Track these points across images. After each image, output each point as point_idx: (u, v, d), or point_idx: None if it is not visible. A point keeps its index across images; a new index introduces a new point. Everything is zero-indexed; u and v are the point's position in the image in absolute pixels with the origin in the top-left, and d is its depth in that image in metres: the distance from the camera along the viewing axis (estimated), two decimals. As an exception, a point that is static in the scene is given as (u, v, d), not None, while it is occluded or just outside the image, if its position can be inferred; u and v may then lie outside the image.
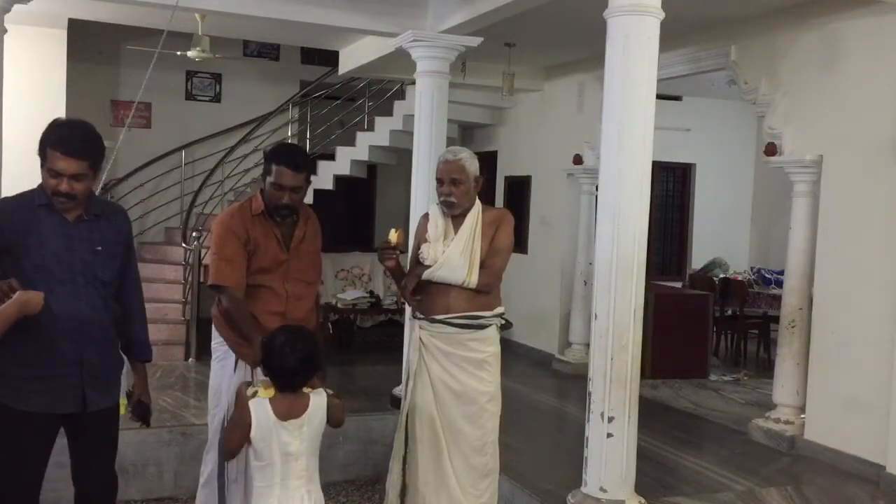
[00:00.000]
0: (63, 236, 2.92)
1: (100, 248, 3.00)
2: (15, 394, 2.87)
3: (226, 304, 3.51)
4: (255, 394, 2.93)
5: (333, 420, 2.99)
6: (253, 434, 2.81)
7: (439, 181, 3.74)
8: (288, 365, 2.86)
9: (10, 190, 3.42)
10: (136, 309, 3.20)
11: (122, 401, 3.22)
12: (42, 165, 2.88)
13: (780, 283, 7.74)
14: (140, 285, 3.27)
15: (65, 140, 2.85)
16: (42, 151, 2.87)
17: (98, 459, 3.12)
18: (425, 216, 3.93)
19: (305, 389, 2.97)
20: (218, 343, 3.62)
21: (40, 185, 2.94)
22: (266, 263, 3.49)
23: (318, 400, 2.93)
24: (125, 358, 3.21)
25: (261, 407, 2.84)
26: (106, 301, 3.03)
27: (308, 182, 3.54)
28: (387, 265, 3.74)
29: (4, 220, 2.88)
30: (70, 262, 2.92)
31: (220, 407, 3.57)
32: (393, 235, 3.71)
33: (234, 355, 3.55)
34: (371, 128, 9.29)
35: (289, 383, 2.89)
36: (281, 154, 3.50)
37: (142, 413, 3.25)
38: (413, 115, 6.28)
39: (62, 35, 7.67)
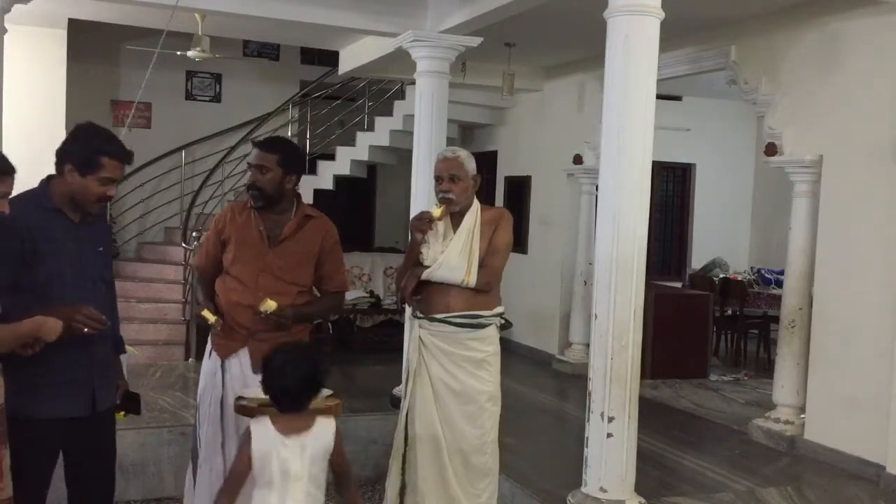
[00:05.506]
0: (74, 239, 2.93)
1: (101, 248, 3.05)
2: (31, 402, 2.85)
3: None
4: (246, 407, 2.93)
5: (336, 457, 2.74)
6: (253, 452, 2.64)
7: (438, 178, 3.73)
8: (287, 386, 2.68)
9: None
10: (116, 305, 3.25)
11: None
12: (84, 173, 2.85)
13: (780, 283, 7.75)
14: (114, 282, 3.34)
15: (121, 148, 2.92)
16: (92, 160, 2.85)
17: (101, 460, 3.12)
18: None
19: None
20: None
21: (42, 188, 2.94)
22: (243, 254, 3.54)
23: (325, 423, 2.74)
24: None
25: (261, 423, 2.69)
26: (111, 301, 3.08)
27: (285, 169, 3.53)
28: (417, 236, 3.69)
29: (23, 227, 2.83)
30: (81, 265, 2.94)
31: (202, 394, 3.66)
32: (437, 210, 3.67)
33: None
34: (371, 128, 9.30)
35: (291, 405, 2.71)
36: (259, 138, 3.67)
37: (136, 404, 3.25)
38: (413, 115, 6.28)
39: (62, 35, 7.68)
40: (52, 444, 2.95)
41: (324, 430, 2.72)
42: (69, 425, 2.94)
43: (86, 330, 2.77)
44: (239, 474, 2.68)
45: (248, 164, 3.61)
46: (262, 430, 2.67)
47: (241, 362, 3.52)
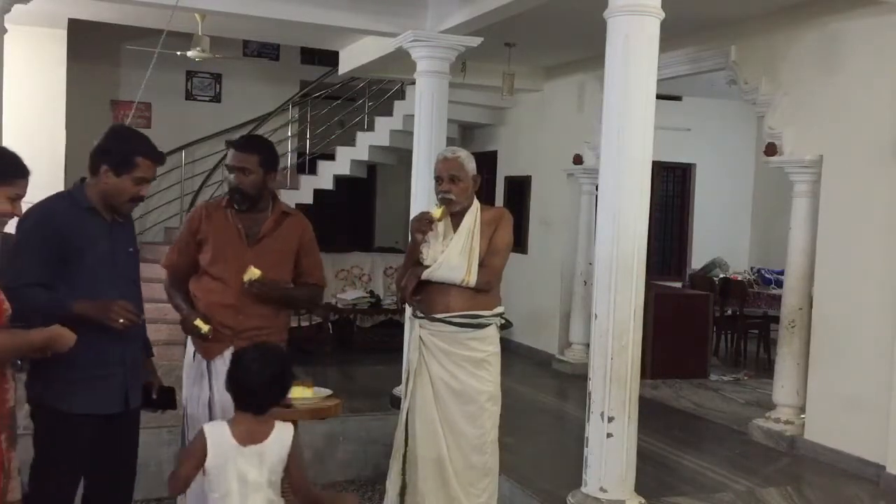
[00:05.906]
0: (107, 238, 2.99)
1: (131, 248, 3.12)
2: (67, 397, 2.89)
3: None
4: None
5: (293, 468, 2.66)
6: (208, 462, 2.57)
7: (438, 179, 3.75)
8: (251, 383, 2.64)
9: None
10: (143, 306, 3.25)
11: None
12: (119, 173, 2.91)
13: (780, 283, 7.74)
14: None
15: (154, 149, 2.99)
16: (127, 159, 2.91)
17: (125, 458, 3.15)
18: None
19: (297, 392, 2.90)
20: None
21: (78, 189, 2.99)
22: (222, 254, 3.52)
23: (283, 431, 2.68)
24: None
25: (218, 430, 2.64)
26: (139, 301, 3.13)
27: (266, 169, 3.51)
28: (417, 237, 3.70)
29: (61, 225, 2.89)
30: (114, 264, 2.99)
31: (188, 397, 3.63)
32: (437, 211, 3.69)
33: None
34: (371, 128, 9.30)
35: (250, 403, 2.65)
36: (234, 139, 3.71)
37: (172, 398, 3.29)
38: (413, 115, 6.28)
39: (62, 35, 7.68)
40: (86, 440, 2.97)
41: (282, 437, 2.66)
42: (101, 422, 2.98)
43: (121, 321, 2.81)
44: (194, 455, 2.61)
45: (227, 166, 3.55)
46: (219, 438, 2.61)
47: (226, 363, 3.47)
